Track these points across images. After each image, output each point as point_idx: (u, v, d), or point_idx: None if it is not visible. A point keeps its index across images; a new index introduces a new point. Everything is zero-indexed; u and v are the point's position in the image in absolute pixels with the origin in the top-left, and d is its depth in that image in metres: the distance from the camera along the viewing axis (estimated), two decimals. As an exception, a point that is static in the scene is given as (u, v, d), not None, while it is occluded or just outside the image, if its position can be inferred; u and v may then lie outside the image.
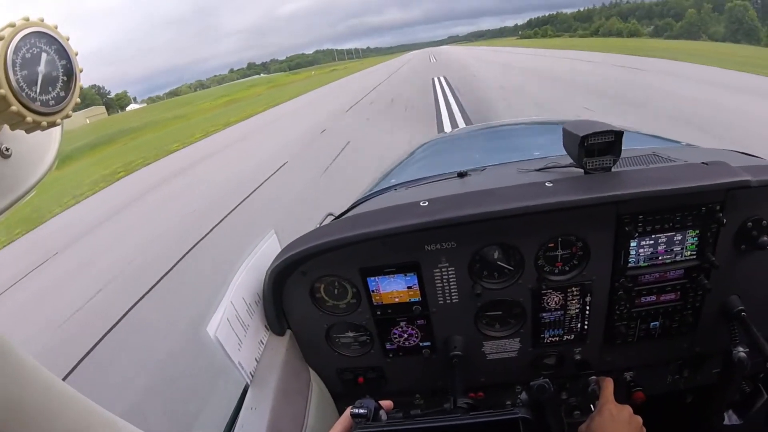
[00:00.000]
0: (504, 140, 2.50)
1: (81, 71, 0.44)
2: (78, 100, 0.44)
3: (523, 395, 0.99)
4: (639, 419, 1.04)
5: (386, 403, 0.82)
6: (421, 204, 1.05)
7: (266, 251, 1.18)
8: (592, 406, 1.14)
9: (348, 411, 0.76)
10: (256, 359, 1.09)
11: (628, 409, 1.05)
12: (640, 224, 1.05)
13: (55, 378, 0.54)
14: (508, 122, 3.17)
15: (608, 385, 1.11)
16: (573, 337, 1.20)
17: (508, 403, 1.31)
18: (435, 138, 2.78)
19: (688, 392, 1.34)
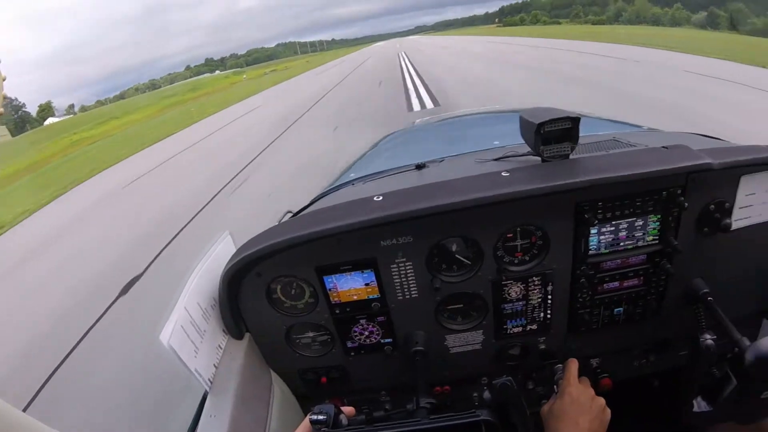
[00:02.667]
0: (466, 130, 2.48)
1: (4, 79, 0.42)
2: (1, 110, 0.42)
3: (486, 394, 1.00)
4: (601, 401, 1.05)
5: (348, 409, 0.80)
6: (375, 199, 1.02)
7: (220, 253, 1.14)
8: (555, 387, 1.14)
9: (307, 418, 0.75)
10: (214, 365, 1.05)
11: (590, 391, 1.07)
12: (599, 211, 1.05)
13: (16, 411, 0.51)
14: (472, 112, 3.13)
15: (572, 366, 1.13)
16: (536, 326, 1.19)
17: (475, 395, 1.32)
18: (399, 130, 2.75)
19: (655, 377, 1.36)
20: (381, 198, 1.02)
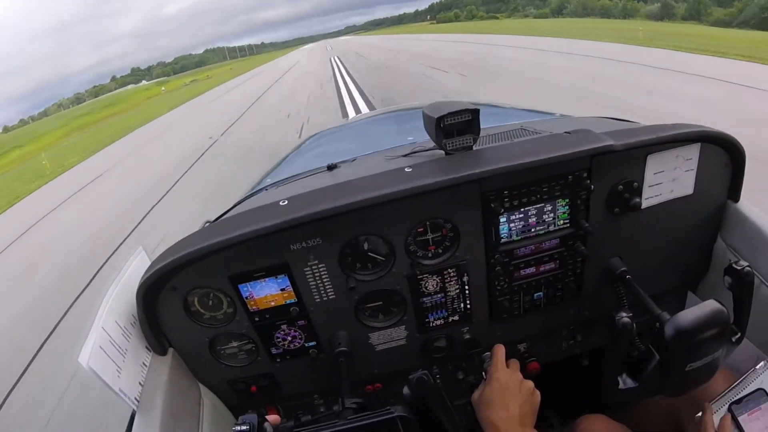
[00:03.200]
0: (386, 127, 2.47)
1: None
2: None
3: (405, 390, 1.01)
4: (530, 383, 1.05)
5: (272, 418, 0.79)
6: (280, 204, 1.01)
7: (135, 269, 1.10)
8: (484, 374, 1.14)
9: (231, 431, 0.73)
10: (140, 383, 1.02)
11: (518, 375, 1.07)
12: (506, 199, 1.06)
13: None
14: (394, 108, 3.12)
15: (498, 351, 1.13)
16: (458, 317, 1.20)
17: (401, 391, 1.33)
18: (323, 131, 2.72)
19: (584, 356, 1.38)
20: (286, 202, 1.01)
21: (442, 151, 1.11)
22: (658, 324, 0.94)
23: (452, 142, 1.08)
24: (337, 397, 1.25)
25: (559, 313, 1.26)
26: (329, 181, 1.17)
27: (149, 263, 1.07)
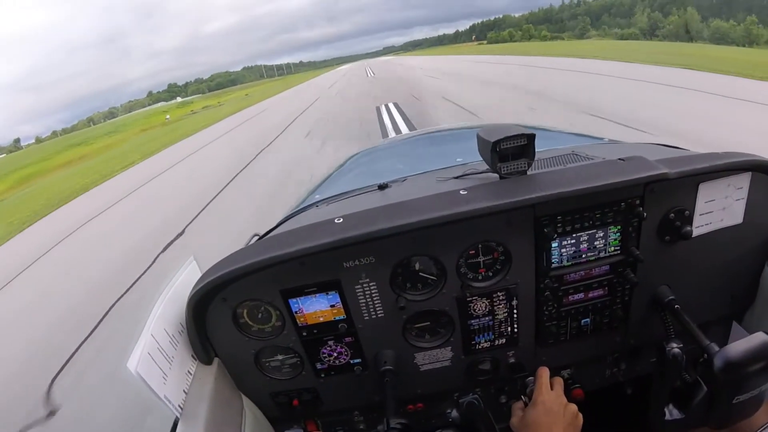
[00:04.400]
0: (430, 148, 2.48)
1: None
2: None
3: (454, 413, 1.00)
4: (573, 407, 1.06)
5: None
6: (335, 221, 1.03)
7: (185, 279, 1.14)
8: (522, 396, 1.18)
9: None
10: (184, 391, 1.05)
11: (562, 399, 1.08)
12: (559, 225, 1.06)
13: None
14: (439, 128, 3.13)
15: (543, 374, 1.14)
16: (504, 341, 1.20)
17: (449, 411, 1.31)
18: (365, 149, 2.76)
19: (627, 384, 1.35)
20: (341, 220, 1.03)
21: (496, 175, 1.11)
22: (706, 355, 0.93)
23: (507, 166, 1.08)
24: (377, 415, 1.27)
25: (605, 341, 1.24)
26: (381, 200, 1.19)
27: (199, 273, 1.11)
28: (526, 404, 1.13)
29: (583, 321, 1.19)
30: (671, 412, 0.98)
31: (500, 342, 1.20)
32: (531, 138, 1.04)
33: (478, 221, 1.00)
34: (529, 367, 1.23)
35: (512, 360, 1.24)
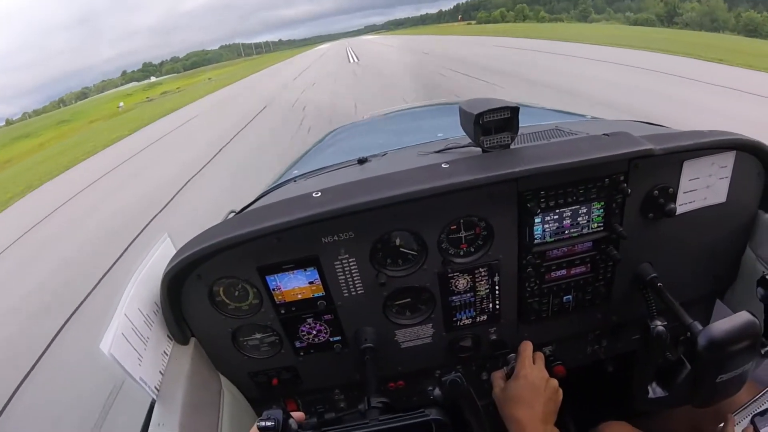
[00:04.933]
0: (410, 123, 2.45)
1: None
2: None
3: (437, 391, 1.00)
4: (554, 382, 1.07)
5: (297, 415, 0.78)
6: (313, 195, 1.00)
7: (160, 257, 1.10)
8: (504, 367, 1.18)
9: (255, 425, 0.73)
10: (160, 372, 1.02)
11: (544, 373, 1.08)
12: (542, 200, 1.05)
13: None
14: (419, 105, 3.08)
15: (526, 348, 1.14)
16: (486, 317, 1.20)
17: (430, 388, 1.32)
18: (344, 125, 2.72)
19: (609, 361, 1.36)
20: (319, 194, 1.00)
21: (479, 149, 1.09)
22: (689, 334, 0.94)
23: (490, 140, 1.06)
24: (358, 393, 1.27)
25: (586, 318, 1.25)
26: (360, 175, 1.16)
27: (174, 251, 1.07)
28: (507, 375, 1.13)
29: (565, 298, 1.20)
30: (654, 390, 0.99)
31: (482, 318, 1.20)
32: (515, 111, 1.02)
33: (460, 195, 0.99)
34: (511, 344, 1.23)
35: (494, 337, 1.24)
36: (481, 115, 1.01)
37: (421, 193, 0.95)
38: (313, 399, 1.32)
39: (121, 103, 45.29)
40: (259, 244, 1.00)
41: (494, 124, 1.04)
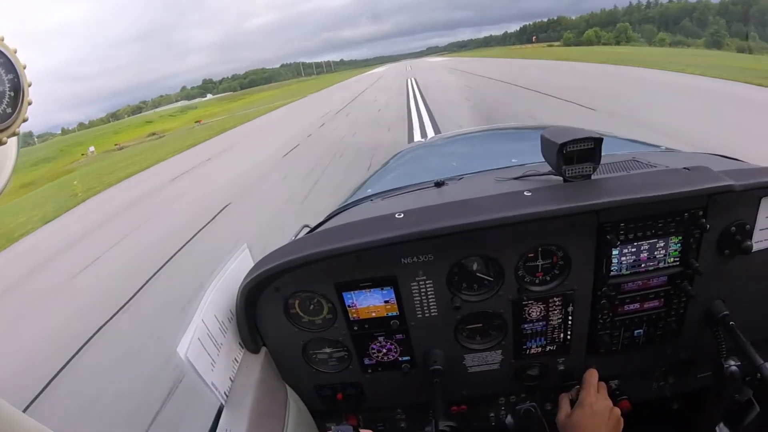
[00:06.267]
0: (481, 147, 2.47)
1: (29, 85, 0.42)
2: (26, 116, 0.42)
3: (509, 419, 0.99)
4: (617, 411, 1.06)
5: None
6: (396, 216, 1.02)
7: (238, 267, 1.15)
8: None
9: None
10: (230, 378, 1.06)
11: (608, 402, 1.07)
12: (621, 232, 1.04)
13: (17, 411, 0.51)
14: (485, 128, 3.17)
15: (591, 376, 1.13)
16: (556, 347, 1.18)
17: (492, 415, 1.30)
18: (411, 146, 2.75)
19: (674, 399, 1.33)
20: (402, 215, 1.02)
21: (559, 178, 1.09)
22: (759, 375, 0.91)
23: (572, 170, 1.06)
24: (420, 415, 1.26)
25: (655, 353, 1.22)
26: (439, 198, 1.18)
27: (252, 262, 1.11)
28: (572, 401, 1.13)
29: (636, 332, 1.17)
30: (722, 430, 0.97)
31: (551, 348, 1.18)
32: (598, 142, 1.02)
33: (541, 224, 0.99)
34: (578, 376, 1.20)
35: (561, 367, 1.22)
36: (564, 144, 1.02)
37: (505, 221, 0.96)
38: (374, 417, 1.32)
39: (91, 148, 36.39)
40: (339, 262, 1.02)
41: (577, 153, 1.04)
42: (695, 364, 1.25)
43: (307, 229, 1.48)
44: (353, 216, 1.23)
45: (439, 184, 1.40)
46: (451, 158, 2.25)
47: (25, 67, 0.42)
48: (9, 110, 0.40)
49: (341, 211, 1.56)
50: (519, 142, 2.19)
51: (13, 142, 0.44)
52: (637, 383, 1.29)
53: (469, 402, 1.29)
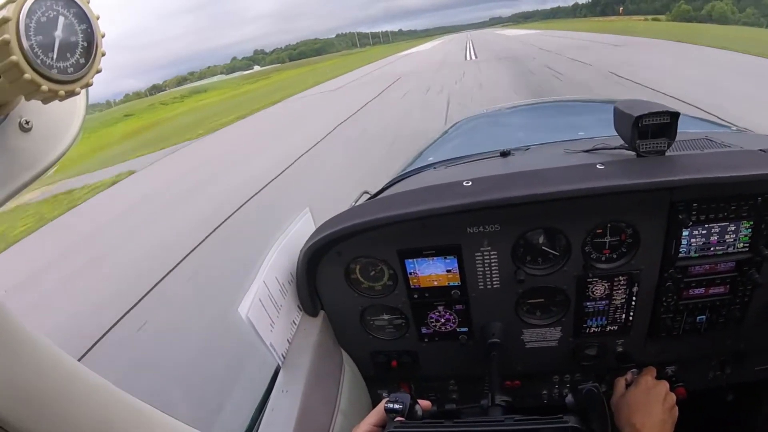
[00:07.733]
0: (546, 119, 2.41)
1: (103, 36, 0.41)
2: (100, 67, 0.41)
3: (569, 398, 0.95)
4: (673, 397, 1.05)
5: (424, 403, 0.78)
6: (464, 184, 1.00)
7: (300, 230, 1.15)
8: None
9: (382, 404, 0.73)
10: (288, 340, 1.07)
11: (664, 385, 1.06)
12: (693, 212, 0.99)
13: (76, 363, 0.53)
14: (549, 100, 3.07)
15: (649, 371, 1.13)
16: (616, 328, 1.15)
17: (545, 392, 1.29)
18: (472, 116, 2.71)
19: (729, 389, 1.29)
20: (470, 183, 1.00)
21: (632, 152, 1.05)
22: None
23: (646, 144, 1.02)
24: (473, 387, 1.26)
25: (715, 341, 1.18)
26: (506, 168, 1.15)
27: (314, 226, 1.11)
28: (627, 383, 1.12)
29: (698, 317, 1.13)
30: None
31: (612, 328, 1.16)
32: (675, 117, 0.98)
33: (612, 199, 0.96)
34: (636, 359, 1.18)
35: (620, 349, 1.19)
36: (640, 117, 0.98)
37: (578, 193, 0.93)
38: (427, 386, 1.33)
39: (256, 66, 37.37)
40: (403, 228, 1.01)
41: (652, 128, 1.01)
42: (754, 356, 1.22)
43: (367, 196, 1.48)
44: (416, 183, 1.22)
45: (505, 154, 1.37)
46: (515, 129, 2.20)
47: (98, 18, 0.41)
48: (82, 61, 0.40)
49: (402, 179, 1.55)
50: (585, 115, 2.09)
51: (83, 93, 0.43)
52: (693, 371, 1.25)
53: (523, 377, 1.28)
